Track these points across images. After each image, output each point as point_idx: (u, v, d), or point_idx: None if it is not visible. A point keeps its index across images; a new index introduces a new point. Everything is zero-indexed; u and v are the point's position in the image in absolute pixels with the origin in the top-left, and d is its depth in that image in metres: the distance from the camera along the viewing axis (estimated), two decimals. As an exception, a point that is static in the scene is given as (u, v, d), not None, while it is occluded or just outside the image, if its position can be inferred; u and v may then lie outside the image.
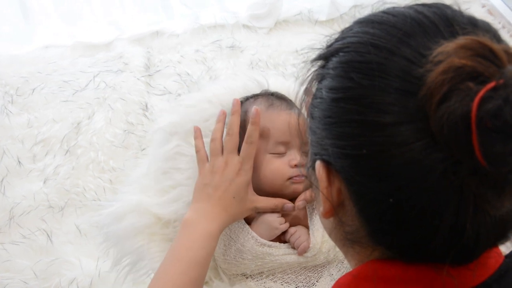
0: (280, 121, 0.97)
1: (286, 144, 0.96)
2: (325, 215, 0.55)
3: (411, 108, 0.45)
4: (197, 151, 0.95)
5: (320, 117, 0.52)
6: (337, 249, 0.94)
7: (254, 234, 0.94)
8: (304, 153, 0.97)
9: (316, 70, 0.56)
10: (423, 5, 0.51)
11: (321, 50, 0.56)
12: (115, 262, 0.99)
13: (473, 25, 0.48)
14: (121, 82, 1.79)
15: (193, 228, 0.86)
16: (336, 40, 0.54)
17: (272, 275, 0.95)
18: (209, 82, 1.23)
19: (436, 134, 0.44)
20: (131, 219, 0.98)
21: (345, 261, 0.96)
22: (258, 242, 0.94)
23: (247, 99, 1.03)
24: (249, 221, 0.98)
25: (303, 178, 0.95)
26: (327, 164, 0.53)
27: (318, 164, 0.54)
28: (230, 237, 0.96)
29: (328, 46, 0.55)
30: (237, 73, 1.68)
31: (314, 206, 0.98)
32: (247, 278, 0.95)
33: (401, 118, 0.45)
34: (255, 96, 1.03)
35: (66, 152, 1.61)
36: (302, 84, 0.58)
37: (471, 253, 0.49)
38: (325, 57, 0.54)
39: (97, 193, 1.52)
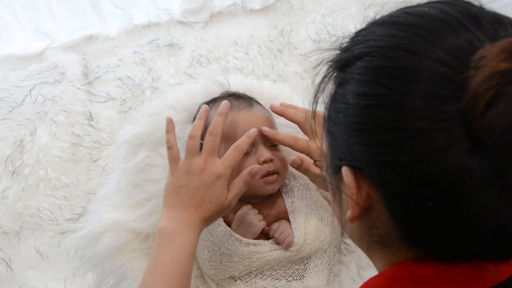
0: (240, 121, 0.96)
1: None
2: (352, 219, 0.53)
3: (449, 113, 0.44)
4: (169, 147, 0.86)
5: (347, 123, 0.51)
6: (321, 238, 0.96)
7: (237, 236, 0.94)
8: (272, 147, 0.97)
9: (330, 73, 0.55)
10: (445, 3, 0.49)
11: (336, 53, 0.55)
12: (96, 285, 0.95)
13: (499, 22, 0.47)
14: (60, 93, 1.70)
15: (172, 239, 0.80)
16: (356, 43, 0.53)
17: (261, 274, 0.95)
18: (169, 88, 1.20)
19: (485, 139, 0.43)
20: (108, 239, 0.94)
21: (328, 250, 0.97)
22: (243, 243, 0.93)
23: (207, 104, 1.01)
24: (228, 223, 0.97)
25: (275, 176, 0.95)
26: (355, 170, 0.52)
27: (345, 170, 0.52)
28: (214, 242, 0.95)
29: (346, 50, 0.54)
30: (196, 77, 1.65)
31: (292, 200, 0.98)
32: (235, 280, 0.95)
33: (440, 123, 0.44)
34: (213, 101, 1.02)
35: (12, 173, 1.52)
36: (315, 87, 0.56)
37: None
38: (347, 60, 0.52)
39: (53, 212, 1.45)
